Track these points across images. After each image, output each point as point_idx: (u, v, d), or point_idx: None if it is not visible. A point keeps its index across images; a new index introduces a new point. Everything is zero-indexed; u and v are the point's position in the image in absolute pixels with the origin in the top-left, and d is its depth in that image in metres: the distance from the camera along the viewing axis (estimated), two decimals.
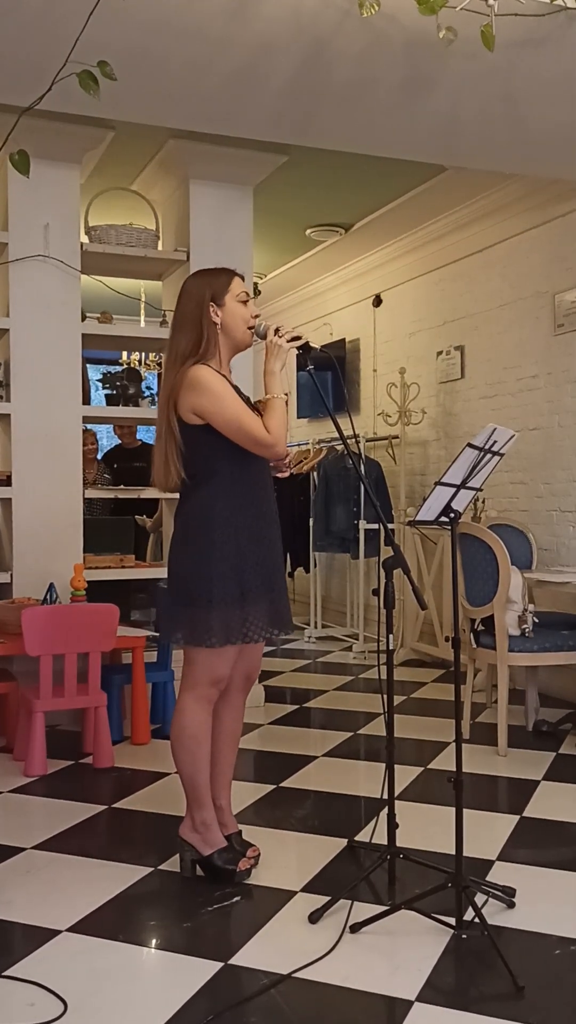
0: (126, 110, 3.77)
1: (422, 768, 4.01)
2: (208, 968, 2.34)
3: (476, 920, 2.46)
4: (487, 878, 2.85)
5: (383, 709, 2.83)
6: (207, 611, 2.72)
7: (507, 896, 2.70)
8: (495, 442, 2.72)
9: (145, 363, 7.68)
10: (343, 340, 7.92)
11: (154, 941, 2.52)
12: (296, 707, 5.19)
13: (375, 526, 6.70)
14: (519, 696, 4.93)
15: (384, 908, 2.59)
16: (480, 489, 2.90)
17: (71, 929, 2.55)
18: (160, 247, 5.14)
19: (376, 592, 2.79)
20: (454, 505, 2.73)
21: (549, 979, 2.30)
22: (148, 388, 5.50)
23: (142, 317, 7.08)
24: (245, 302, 2.84)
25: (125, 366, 7.33)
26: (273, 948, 2.44)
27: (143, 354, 7.64)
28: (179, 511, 2.86)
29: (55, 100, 3.24)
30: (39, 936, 2.51)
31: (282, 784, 3.82)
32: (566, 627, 4.51)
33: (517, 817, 3.42)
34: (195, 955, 2.41)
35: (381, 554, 6.30)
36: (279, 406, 2.76)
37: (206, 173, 4.97)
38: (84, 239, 4.85)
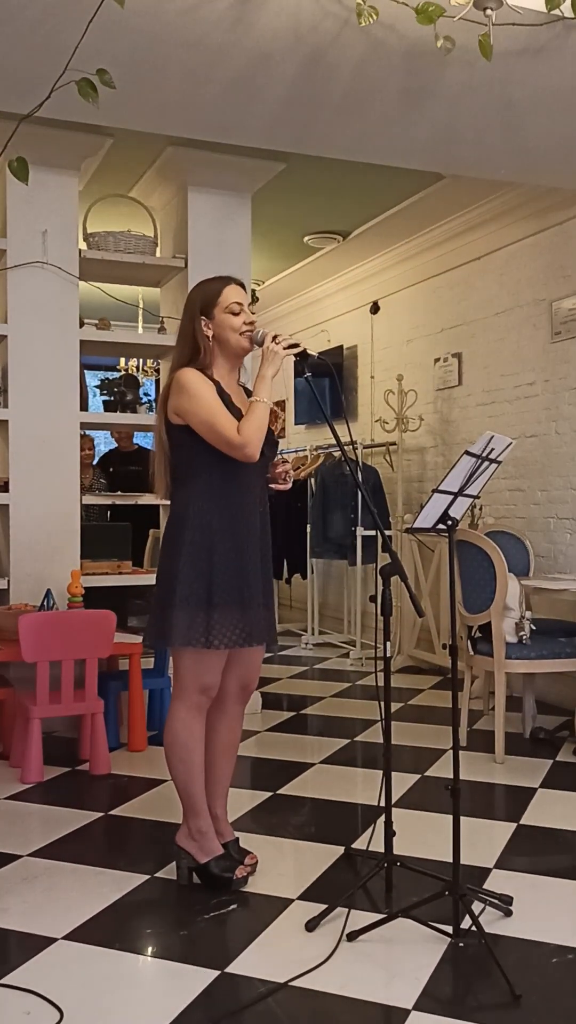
0: (125, 118, 3.79)
1: (419, 775, 4.00)
2: (205, 976, 2.33)
3: (473, 928, 2.46)
4: (484, 886, 2.85)
5: (380, 716, 2.83)
6: (170, 611, 2.74)
7: (504, 904, 2.70)
8: (492, 449, 2.73)
9: (143, 369, 7.68)
10: (341, 347, 7.93)
11: (150, 949, 2.51)
12: (293, 714, 5.19)
13: (372, 533, 6.70)
14: (516, 703, 4.93)
15: (381, 916, 2.58)
16: (478, 496, 2.91)
17: (67, 937, 2.54)
18: (158, 254, 5.15)
19: (373, 599, 2.79)
20: (451, 512, 2.73)
21: (546, 987, 2.30)
22: (146, 394, 5.51)
23: (140, 324, 7.09)
24: (238, 312, 2.85)
25: (123, 372, 7.34)
26: (270, 956, 2.44)
27: (141, 360, 7.65)
28: (168, 514, 2.91)
29: (54, 107, 3.25)
30: (35, 944, 2.50)
31: (279, 791, 3.81)
32: (563, 634, 4.51)
33: (514, 825, 3.42)
34: (192, 963, 2.40)
35: (378, 561, 6.30)
36: (259, 409, 2.76)
37: (204, 180, 4.98)
38: (82, 246, 4.86)
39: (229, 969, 2.37)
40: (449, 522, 2.73)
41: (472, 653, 4.49)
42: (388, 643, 2.81)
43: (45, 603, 4.35)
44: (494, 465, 2.80)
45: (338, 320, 8.14)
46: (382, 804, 2.86)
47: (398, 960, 2.43)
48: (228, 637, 2.78)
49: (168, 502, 2.91)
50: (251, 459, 2.77)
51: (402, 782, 3.87)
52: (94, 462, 5.92)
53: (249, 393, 2.97)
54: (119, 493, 5.30)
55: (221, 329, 2.84)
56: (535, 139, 3.96)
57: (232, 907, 2.73)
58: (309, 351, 2.86)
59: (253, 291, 7.57)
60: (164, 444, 2.83)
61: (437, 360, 6.68)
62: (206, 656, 2.77)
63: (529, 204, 5.61)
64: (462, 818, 2.63)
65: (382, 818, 2.87)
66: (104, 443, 8.06)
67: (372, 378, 7.56)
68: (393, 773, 3.04)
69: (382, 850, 2.86)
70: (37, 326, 4.67)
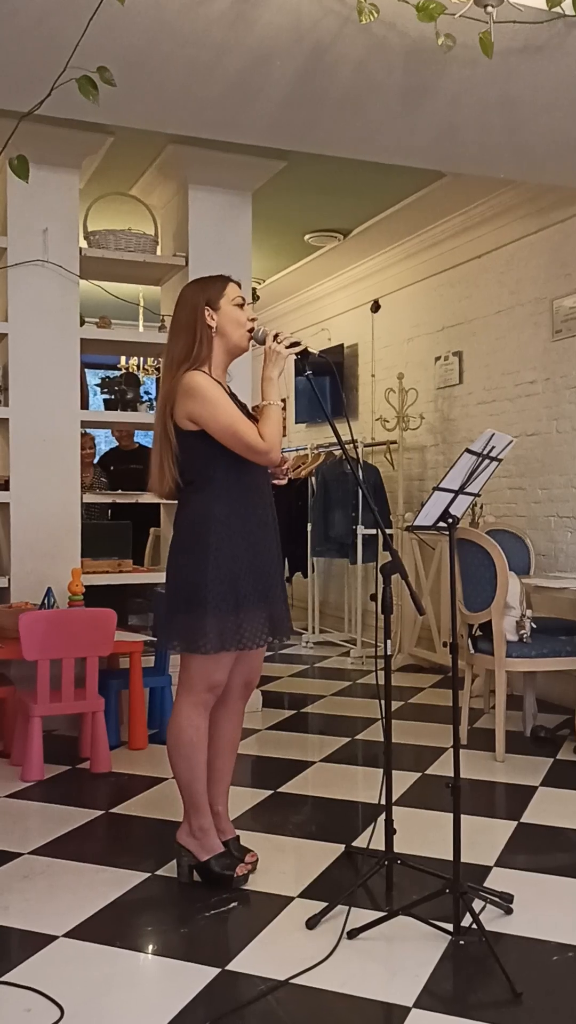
0: (125, 116, 3.78)
1: (420, 774, 4.00)
2: (205, 974, 2.33)
3: (474, 926, 2.46)
4: (485, 884, 2.85)
5: (381, 714, 2.83)
6: (201, 617, 2.71)
7: (505, 902, 2.70)
8: (493, 447, 2.73)
9: (144, 368, 7.68)
10: (341, 345, 7.93)
11: (151, 947, 2.51)
12: (294, 712, 5.19)
13: (373, 531, 6.70)
14: (517, 702, 4.93)
15: (382, 914, 2.58)
16: (478, 494, 2.91)
17: (68, 935, 2.54)
18: (159, 252, 5.15)
19: (374, 597, 2.79)
20: (452, 510, 2.73)
21: (547, 985, 2.30)
22: (146, 393, 5.49)
23: (140, 322, 7.09)
24: (241, 306, 2.85)
25: (124, 371, 7.33)
26: (270, 954, 2.44)
27: (142, 359, 7.64)
28: (176, 517, 2.87)
29: (54, 105, 3.25)
30: (36, 942, 2.50)
31: (280, 789, 3.81)
32: (564, 632, 4.51)
33: (515, 823, 3.42)
34: (192, 961, 2.40)
35: (379, 559, 6.30)
36: (274, 413, 2.76)
37: (205, 178, 4.98)
38: (83, 244, 4.86)
39: (230, 967, 2.37)
40: (450, 520, 2.73)
41: (473, 651, 4.49)
42: (389, 641, 2.81)
43: (46, 601, 4.35)
44: (495, 463, 2.80)
45: (339, 319, 8.14)
46: (383, 802, 2.86)
47: (399, 958, 2.43)
48: (256, 636, 2.79)
49: (165, 501, 2.88)
50: (273, 463, 2.81)
51: (403, 780, 3.87)
52: (95, 461, 5.92)
53: (234, 396, 2.96)
54: (120, 492, 5.30)
55: (226, 321, 2.82)
56: (536, 137, 3.95)
57: (233, 905, 2.74)
58: (311, 349, 2.86)
59: (254, 290, 7.58)
60: (173, 445, 2.79)
61: (438, 358, 6.67)
62: (219, 655, 2.77)
63: (530, 202, 5.61)
64: (463, 816, 2.62)
65: (383, 816, 2.87)
66: (105, 442, 8.06)
67: (373, 376, 7.56)
68: (394, 771, 3.04)
69: (383, 848, 2.86)
70: (38, 325, 4.67)
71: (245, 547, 2.78)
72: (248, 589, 2.77)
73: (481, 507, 5.94)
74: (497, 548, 4.26)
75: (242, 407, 2.89)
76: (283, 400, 8.65)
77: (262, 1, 2.97)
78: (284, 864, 3.05)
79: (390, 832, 2.85)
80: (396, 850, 2.86)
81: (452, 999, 2.25)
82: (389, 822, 2.86)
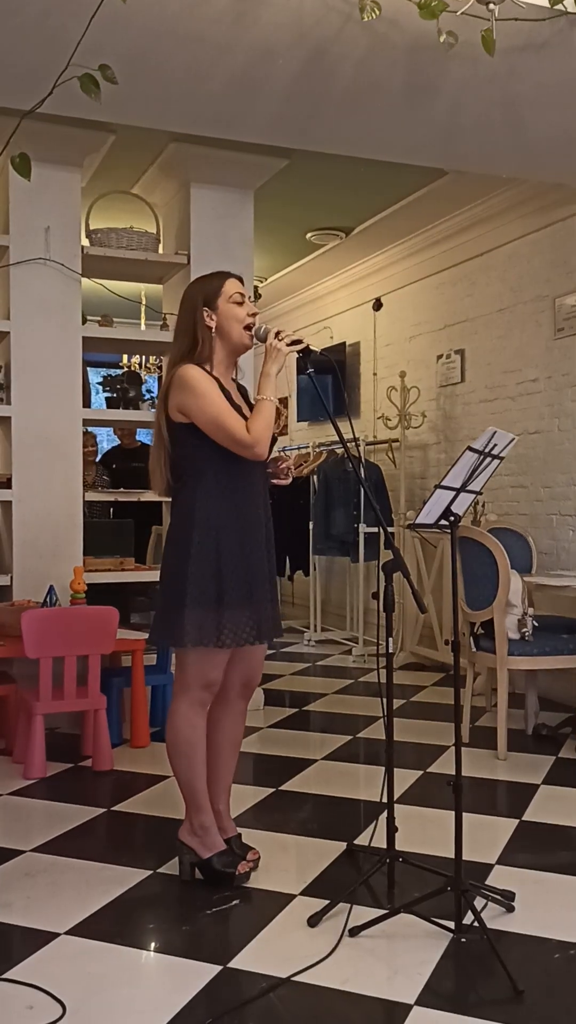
0: (127, 114, 3.78)
1: (421, 772, 4.01)
2: (207, 971, 2.33)
3: (475, 924, 2.46)
4: (486, 882, 2.85)
5: (382, 713, 2.83)
6: (179, 610, 2.72)
7: (506, 900, 2.70)
8: (495, 445, 2.73)
9: (145, 366, 7.68)
10: (343, 344, 7.92)
11: (153, 944, 2.52)
12: (295, 711, 5.19)
13: (375, 529, 6.70)
14: (519, 700, 4.93)
15: (383, 912, 2.58)
16: (480, 492, 2.91)
17: (70, 932, 2.55)
18: (161, 250, 5.15)
19: (376, 595, 2.79)
20: (454, 508, 2.73)
21: (548, 983, 2.30)
22: (148, 391, 5.50)
23: (143, 320, 7.09)
24: (241, 303, 2.84)
25: (125, 369, 7.33)
26: (272, 952, 2.44)
27: (143, 357, 7.64)
28: (171, 513, 2.89)
29: (56, 103, 3.25)
30: (38, 939, 2.51)
31: (281, 787, 3.81)
32: (566, 631, 4.51)
33: (516, 821, 3.42)
34: (194, 958, 2.40)
35: (381, 557, 6.30)
36: (267, 408, 2.75)
37: (207, 177, 4.98)
38: (85, 242, 4.86)
39: (231, 964, 2.37)
40: (451, 518, 2.73)
41: (474, 650, 4.49)
42: (390, 639, 2.81)
43: (48, 599, 4.36)
44: (496, 461, 2.80)
45: (341, 317, 8.14)
46: (384, 800, 2.86)
47: (400, 956, 2.43)
48: (238, 635, 2.78)
49: (166, 499, 2.89)
50: (260, 458, 2.78)
51: (404, 778, 3.87)
52: (97, 459, 5.92)
53: (244, 391, 2.97)
54: (122, 490, 5.30)
55: (225, 320, 2.82)
56: (538, 135, 3.95)
57: (234, 903, 2.74)
58: (312, 347, 2.86)
59: (256, 288, 7.58)
60: (165, 441, 2.81)
61: (440, 357, 6.67)
62: (212, 653, 2.77)
63: (532, 200, 5.60)
64: (464, 814, 2.63)
65: (384, 814, 2.87)
66: (107, 440, 8.07)
67: (375, 375, 7.56)
68: (395, 769, 3.04)
69: (384, 846, 2.86)
70: (39, 323, 4.67)
71: (231, 544, 2.77)
72: (232, 587, 2.76)
73: (483, 505, 5.94)
74: (499, 546, 4.26)
75: (249, 405, 2.89)
76: (284, 398, 8.66)
77: None
78: (286, 862, 3.06)
79: (392, 830, 2.86)
80: (398, 848, 2.86)
81: (454, 997, 2.26)
82: (391, 820, 2.86)
